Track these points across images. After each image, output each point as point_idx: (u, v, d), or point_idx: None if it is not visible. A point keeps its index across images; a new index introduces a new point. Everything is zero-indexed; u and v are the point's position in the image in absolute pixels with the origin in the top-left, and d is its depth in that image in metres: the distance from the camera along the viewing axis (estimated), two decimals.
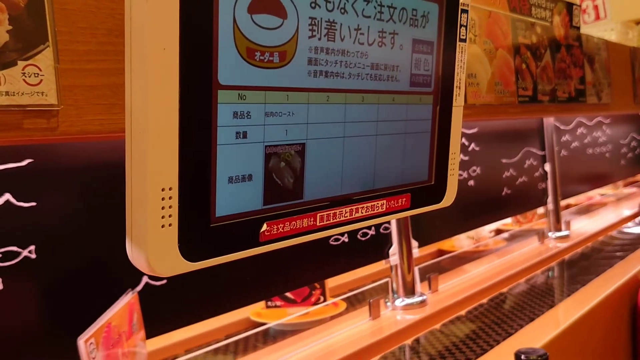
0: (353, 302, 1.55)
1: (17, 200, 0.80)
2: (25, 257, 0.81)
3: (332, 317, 1.36)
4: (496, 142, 1.80)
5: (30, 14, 0.47)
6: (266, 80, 0.52)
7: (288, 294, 1.46)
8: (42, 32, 0.48)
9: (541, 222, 2.23)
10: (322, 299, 1.49)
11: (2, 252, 0.78)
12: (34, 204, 0.82)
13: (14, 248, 0.80)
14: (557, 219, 2.05)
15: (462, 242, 2.10)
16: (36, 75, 0.48)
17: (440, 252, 2.01)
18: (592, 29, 2.38)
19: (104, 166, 0.88)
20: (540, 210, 2.15)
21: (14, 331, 0.79)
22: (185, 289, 0.97)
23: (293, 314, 1.42)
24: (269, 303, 1.47)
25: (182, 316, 0.98)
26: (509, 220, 2.28)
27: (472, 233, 2.08)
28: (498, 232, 2.30)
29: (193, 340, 1.29)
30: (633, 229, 2.20)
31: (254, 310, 1.44)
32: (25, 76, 0.47)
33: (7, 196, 0.79)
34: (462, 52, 0.74)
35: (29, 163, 0.81)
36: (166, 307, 0.96)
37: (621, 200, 2.78)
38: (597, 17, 2.75)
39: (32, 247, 0.81)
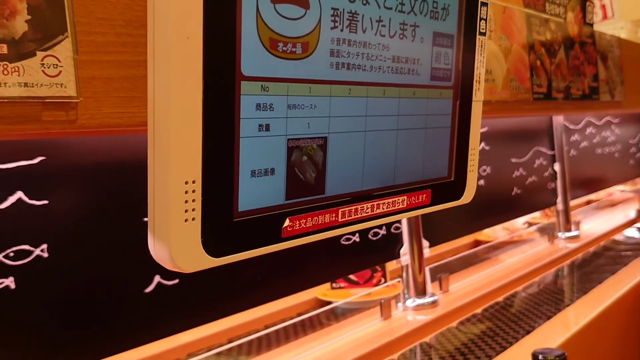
0: None
1: (29, 199, 0.79)
2: (38, 255, 0.79)
3: (393, 297, 1.41)
4: (506, 141, 1.78)
5: (49, 3, 0.46)
6: (289, 71, 0.51)
7: (351, 277, 1.56)
8: (61, 22, 0.47)
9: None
10: (382, 280, 1.58)
11: (14, 251, 0.77)
12: (46, 202, 0.80)
13: (26, 247, 0.79)
14: (567, 219, 2.03)
15: (497, 232, 2.18)
16: (55, 66, 0.46)
17: (477, 243, 2.09)
18: (601, 27, 2.37)
19: (116, 164, 0.87)
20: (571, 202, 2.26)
21: (27, 330, 0.78)
22: (196, 289, 0.96)
23: (356, 294, 1.50)
24: (334, 285, 1.55)
25: (194, 316, 0.97)
26: (537, 213, 2.34)
27: (507, 224, 2.15)
28: (529, 225, 2.35)
29: (270, 316, 1.42)
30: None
31: (321, 291, 1.54)
32: (45, 67, 0.46)
33: (19, 194, 0.78)
34: (481, 45, 0.73)
35: (40, 161, 0.80)
36: (178, 307, 0.94)
37: (637, 197, 2.75)
38: (605, 17, 2.74)
39: (45, 246, 0.80)
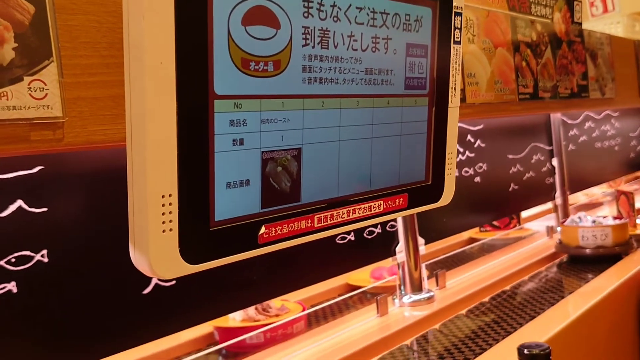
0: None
1: (29, 206, 0.83)
2: (38, 260, 0.83)
3: (524, 237, 1.86)
4: (502, 138, 1.81)
5: (35, 31, 0.49)
6: (261, 88, 0.54)
7: (495, 222, 2.16)
8: (47, 48, 0.50)
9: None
10: (517, 225, 2.18)
11: (15, 257, 0.81)
12: (45, 209, 0.84)
13: (27, 252, 0.82)
14: (566, 214, 2.05)
15: (578, 197, 2.50)
16: (41, 89, 0.50)
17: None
18: (599, 22, 2.38)
19: (112, 171, 0.91)
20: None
21: (29, 332, 0.82)
22: (193, 289, 1.00)
23: (499, 234, 2.13)
24: (481, 229, 2.18)
25: (191, 316, 1.00)
26: (604, 185, 2.66)
27: (586, 191, 2.47)
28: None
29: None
30: None
31: (474, 232, 2.15)
32: (31, 91, 0.49)
33: (19, 202, 0.82)
34: (456, 54, 0.76)
35: (39, 170, 0.84)
36: (175, 308, 0.98)
37: None
38: (605, 10, 2.74)
39: (45, 251, 0.84)
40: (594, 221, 1.75)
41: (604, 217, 1.80)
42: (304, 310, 1.42)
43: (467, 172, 1.64)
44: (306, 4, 0.56)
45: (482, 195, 1.72)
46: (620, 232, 1.68)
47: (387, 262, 1.44)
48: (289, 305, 1.45)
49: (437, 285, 1.51)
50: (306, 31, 0.57)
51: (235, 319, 1.38)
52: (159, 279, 0.96)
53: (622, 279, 1.49)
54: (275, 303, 1.42)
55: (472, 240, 2.12)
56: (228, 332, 1.33)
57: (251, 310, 1.38)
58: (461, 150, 1.61)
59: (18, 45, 0.49)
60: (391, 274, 1.66)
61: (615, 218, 1.77)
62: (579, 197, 2.54)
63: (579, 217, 1.80)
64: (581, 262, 1.70)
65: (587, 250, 1.69)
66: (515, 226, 2.17)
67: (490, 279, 1.58)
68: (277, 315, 1.39)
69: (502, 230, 2.15)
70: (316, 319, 1.43)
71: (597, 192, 2.63)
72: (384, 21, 0.65)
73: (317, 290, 1.54)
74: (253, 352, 1.22)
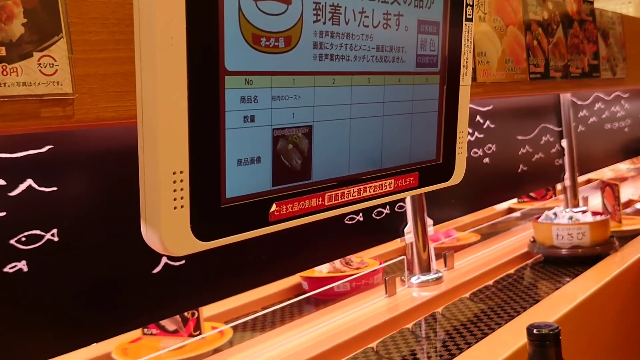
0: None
1: (39, 186, 0.83)
2: (48, 240, 0.83)
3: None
4: (511, 119, 1.79)
5: (44, 6, 0.49)
6: (272, 65, 0.54)
7: (532, 194, 2.34)
8: (56, 24, 0.50)
9: None
10: (554, 196, 2.37)
11: (26, 236, 0.81)
12: (55, 188, 0.84)
13: (37, 231, 0.83)
14: (574, 196, 2.04)
15: (605, 173, 2.66)
16: (51, 65, 0.50)
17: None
18: (609, 2, 2.35)
19: (121, 150, 0.90)
20: None
21: (40, 311, 0.83)
22: (202, 269, 1.00)
23: (535, 204, 2.32)
24: (519, 200, 2.35)
25: (200, 296, 1.01)
26: (627, 161, 2.78)
27: (613, 167, 2.63)
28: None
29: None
30: None
31: (513, 202, 2.33)
32: (41, 67, 0.49)
33: (29, 182, 0.82)
34: (468, 31, 0.75)
35: (49, 149, 0.84)
36: (184, 287, 0.98)
37: None
38: None
39: (55, 230, 0.84)
40: (570, 217, 1.57)
41: (583, 212, 1.63)
42: (380, 264, 1.56)
43: (476, 153, 1.63)
44: None
45: (491, 176, 1.71)
46: (599, 230, 1.51)
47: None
48: (367, 260, 1.60)
49: (445, 266, 1.51)
50: (317, 7, 0.56)
51: (321, 270, 1.51)
52: (169, 258, 0.96)
53: (632, 260, 1.48)
54: (355, 258, 1.58)
55: (510, 210, 2.29)
56: (317, 282, 1.45)
57: (337, 263, 1.52)
58: (470, 131, 1.60)
59: (27, 21, 0.48)
60: (446, 236, 1.81)
61: (594, 214, 1.61)
62: (605, 173, 2.63)
63: (555, 213, 1.61)
64: (555, 264, 1.53)
65: (563, 251, 1.52)
66: (551, 197, 2.34)
67: (498, 260, 1.58)
68: (358, 268, 1.52)
69: (539, 201, 2.34)
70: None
71: (622, 167, 2.68)
72: None
73: (373, 253, 1.66)
74: (339, 300, 1.32)
